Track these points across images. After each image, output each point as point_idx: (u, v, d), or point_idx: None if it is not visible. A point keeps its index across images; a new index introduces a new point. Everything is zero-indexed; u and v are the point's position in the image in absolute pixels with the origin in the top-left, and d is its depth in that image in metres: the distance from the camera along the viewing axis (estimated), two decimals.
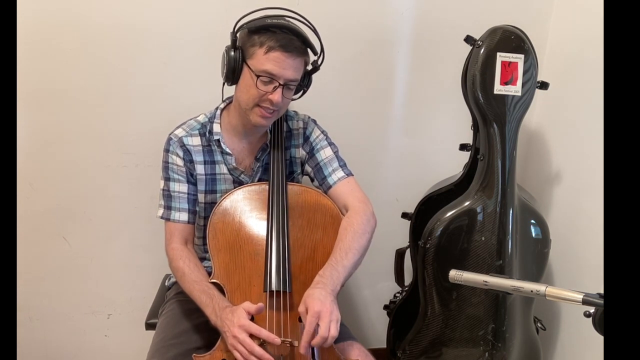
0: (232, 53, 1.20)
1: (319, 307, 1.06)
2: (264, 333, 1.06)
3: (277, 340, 1.06)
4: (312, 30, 1.25)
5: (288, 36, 1.17)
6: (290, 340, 1.10)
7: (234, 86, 1.27)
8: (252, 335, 1.06)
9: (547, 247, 1.56)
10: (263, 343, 1.08)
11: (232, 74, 1.21)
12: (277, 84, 1.18)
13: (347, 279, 1.19)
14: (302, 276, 1.20)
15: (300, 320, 1.13)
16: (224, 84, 1.27)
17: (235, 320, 1.07)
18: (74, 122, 1.63)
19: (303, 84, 1.27)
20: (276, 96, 1.18)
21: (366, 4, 1.67)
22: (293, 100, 1.32)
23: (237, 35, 1.21)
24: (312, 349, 1.14)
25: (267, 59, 1.16)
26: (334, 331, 1.05)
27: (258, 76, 1.17)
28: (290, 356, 1.10)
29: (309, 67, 1.27)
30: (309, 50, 1.23)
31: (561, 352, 1.72)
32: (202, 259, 1.39)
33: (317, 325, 1.06)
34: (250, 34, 1.19)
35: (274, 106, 1.20)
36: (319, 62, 1.27)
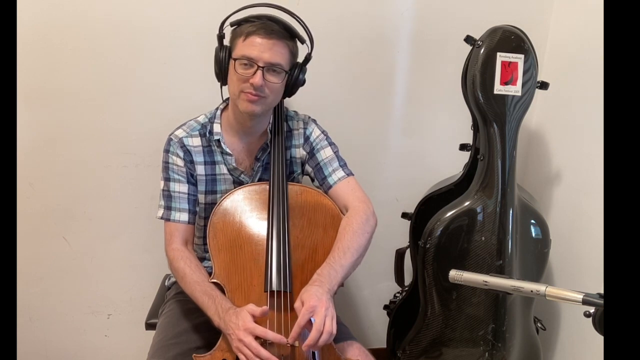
0: (220, 53, 1.23)
1: (314, 302, 1.06)
2: (270, 334, 1.07)
3: (284, 340, 1.06)
4: (299, 22, 1.26)
5: (267, 23, 1.19)
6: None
7: None
8: (256, 337, 1.07)
9: (547, 247, 1.56)
10: (264, 343, 1.08)
11: (221, 72, 1.24)
12: (257, 67, 1.18)
13: (346, 278, 1.20)
14: (302, 276, 1.20)
15: None
16: (220, 85, 1.28)
17: (241, 323, 1.07)
18: (74, 121, 1.63)
19: (294, 74, 1.26)
20: (256, 79, 1.18)
21: (366, 4, 1.67)
22: (288, 97, 1.32)
23: (224, 35, 1.25)
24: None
25: (245, 45, 1.19)
26: (329, 326, 1.05)
27: (235, 59, 1.19)
28: (291, 356, 1.10)
29: (300, 60, 1.28)
30: (296, 39, 1.25)
31: (561, 352, 1.72)
32: (202, 259, 1.39)
33: (311, 321, 1.06)
34: (234, 30, 1.23)
35: (257, 90, 1.19)
36: (310, 52, 1.28)
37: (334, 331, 1.07)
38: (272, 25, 1.19)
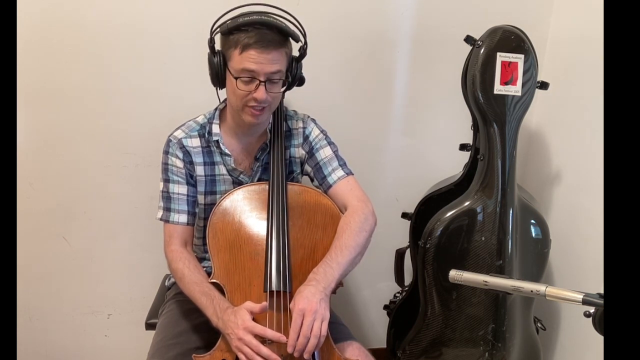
0: (213, 59, 1.20)
1: (303, 305, 1.06)
2: (269, 333, 1.07)
3: (284, 338, 1.06)
4: (292, 18, 1.23)
5: (261, 31, 1.14)
6: None
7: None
8: (255, 336, 1.07)
9: (547, 247, 1.56)
10: (263, 342, 1.08)
11: (217, 79, 1.22)
12: (258, 82, 1.16)
13: (344, 276, 1.19)
14: (301, 276, 1.19)
15: None
16: (217, 89, 1.28)
17: (240, 322, 1.07)
18: (74, 122, 1.63)
19: (290, 73, 1.24)
20: (260, 94, 1.16)
21: (366, 4, 1.67)
22: (285, 91, 1.31)
23: (214, 39, 1.22)
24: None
25: (242, 59, 1.15)
26: (316, 330, 1.05)
27: (237, 77, 1.16)
28: (291, 356, 1.10)
29: (295, 55, 1.25)
30: (289, 39, 1.21)
31: (561, 352, 1.72)
32: (202, 259, 1.39)
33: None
34: (226, 36, 1.18)
35: (260, 104, 1.19)
36: (304, 46, 1.25)
37: (323, 333, 1.07)
38: (266, 35, 1.14)
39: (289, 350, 1.06)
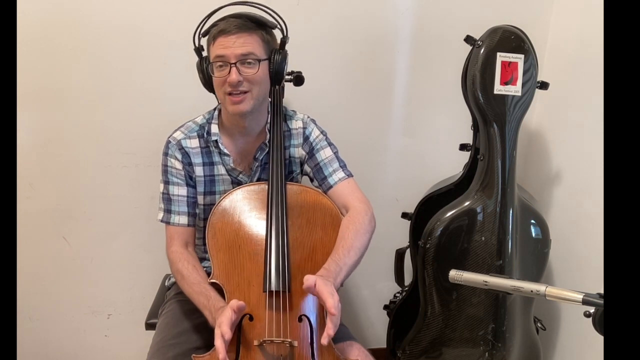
0: (202, 64, 1.25)
1: (331, 288, 1.04)
2: (223, 327, 1.03)
3: (228, 336, 1.02)
4: (270, 10, 1.25)
5: (228, 20, 1.20)
6: (290, 340, 1.09)
7: None
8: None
9: (547, 247, 1.56)
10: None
11: (206, 82, 1.25)
12: (230, 65, 1.18)
13: (346, 278, 1.19)
14: (301, 276, 1.18)
15: (299, 320, 1.13)
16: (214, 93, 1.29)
17: (219, 319, 1.06)
18: (74, 122, 1.63)
19: (275, 60, 1.25)
20: (232, 76, 1.18)
21: (366, 3, 1.67)
22: (277, 85, 1.30)
23: (201, 47, 1.26)
24: (312, 348, 1.14)
25: (214, 48, 1.21)
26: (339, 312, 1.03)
27: (209, 63, 1.21)
28: (290, 356, 1.10)
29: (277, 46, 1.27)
30: (266, 27, 1.24)
31: (561, 352, 1.72)
32: (203, 260, 1.39)
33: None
34: (207, 39, 1.24)
35: (236, 87, 1.19)
36: (284, 35, 1.27)
37: (338, 320, 1.05)
38: (235, 21, 1.19)
39: (333, 311, 1.01)
